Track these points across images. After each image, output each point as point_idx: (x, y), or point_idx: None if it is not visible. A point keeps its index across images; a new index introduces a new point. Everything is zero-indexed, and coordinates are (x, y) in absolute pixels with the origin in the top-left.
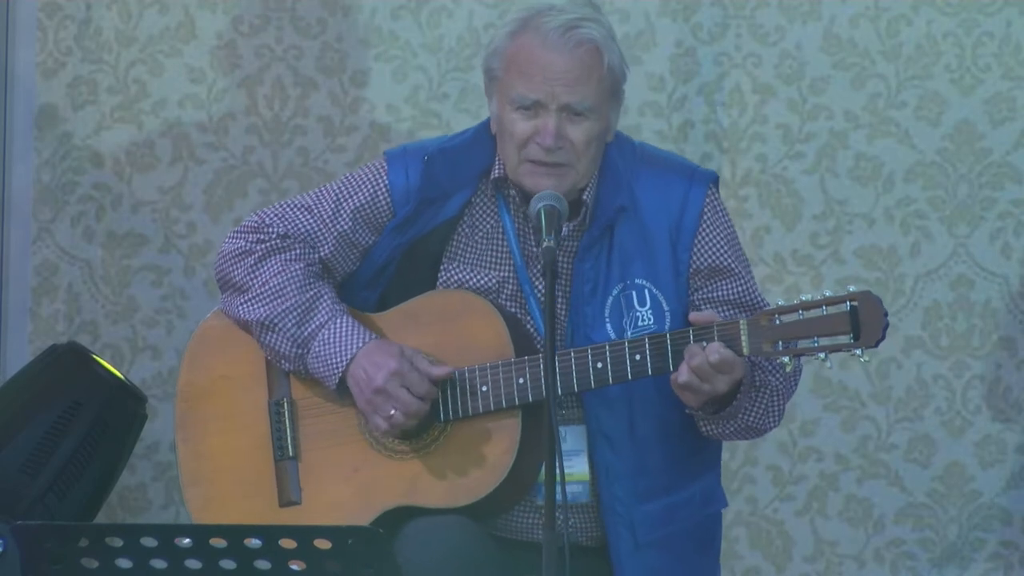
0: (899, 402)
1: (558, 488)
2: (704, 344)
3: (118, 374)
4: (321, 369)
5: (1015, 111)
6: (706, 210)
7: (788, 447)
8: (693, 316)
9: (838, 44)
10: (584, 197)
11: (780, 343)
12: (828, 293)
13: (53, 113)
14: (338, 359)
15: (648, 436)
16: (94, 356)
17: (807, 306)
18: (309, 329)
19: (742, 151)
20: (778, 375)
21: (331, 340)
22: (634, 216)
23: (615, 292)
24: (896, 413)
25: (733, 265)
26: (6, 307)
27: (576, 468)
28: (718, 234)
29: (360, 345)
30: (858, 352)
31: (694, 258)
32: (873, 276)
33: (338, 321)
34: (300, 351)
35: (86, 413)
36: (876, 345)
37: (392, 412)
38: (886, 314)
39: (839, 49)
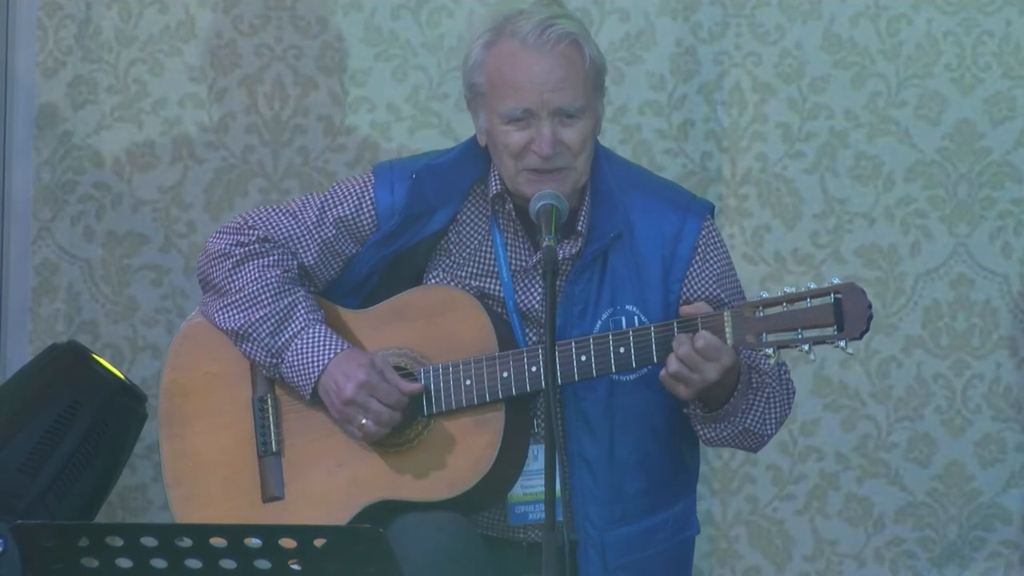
0: (899, 401)
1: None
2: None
3: (118, 373)
4: (295, 379)
5: (1015, 110)
6: (700, 243)
7: (788, 447)
8: (683, 309)
9: (838, 43)
10: (579, 227)
11: (764, 335)
12: (812, 285)
13: (53, 112)
14: (310, 370)
15: (627, 461)
16: (94, 355)
17: (791, 298)
18: (283, 339)
19: (742, 150)
20: (776, 381)
21: (303, 351)
22: (629, 243)
23: (604, 316)
24: (896, 412)
25: (724, 298)
26: (6, 307)
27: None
28: (711, 267)
29: (331, 356)
30: (842, 344)
31: (685, 289)
32: (873, 275)
33: (311, 331)
34: (274, 360)
35: (86, 413)
36: (860, 337)
37: (364, 422)
38: (870, 306)
39: (839, 48)
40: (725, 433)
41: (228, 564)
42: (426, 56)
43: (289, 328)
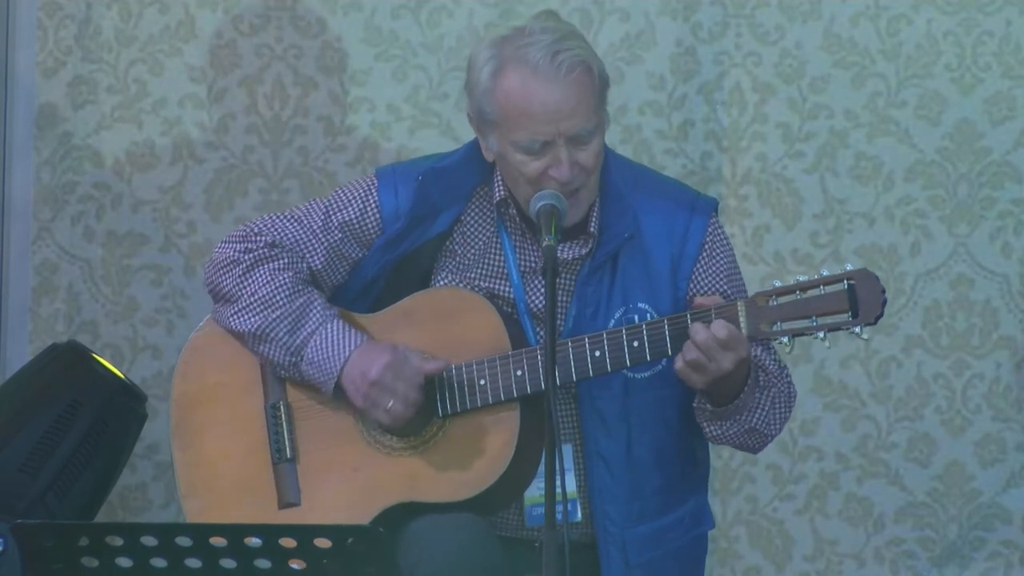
0: (899, 401)
1: (557, 487)
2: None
3: (118, 373)
4: (316, 375)
5: (1015, 110)
6: (707, 240)
7: (788, 446)
8: (697, 300)
9: (838, 43)
10: (591, 228)
11: (779, 323)
12: (825, 272)
13: (53, 113)
14: (332, 363)
15: (644, 459)
16: (94, 355)
17: (805, 286)
18: (301, 336)
19: (742, 150)
20: (780, 382)
21: (324, 346)
22: (638, 243)
23: (617, 315)
24: (896, 412)
25: (731, 293)
26: (6, 307)
27: (567, 486)
28: (718, 264)
29: (353, 348)
30: (857, 330)
31: (692, 286)
32: None
33: (329, 326)
34: (294, 359)
35: (86, 412)
36: (875, 322)
37: (391, 403)
38: (884, 291)
39: (839, 48)
40: (731, 431)
41: (228, 563)
42: (426, 56)
43: (307, 326)
